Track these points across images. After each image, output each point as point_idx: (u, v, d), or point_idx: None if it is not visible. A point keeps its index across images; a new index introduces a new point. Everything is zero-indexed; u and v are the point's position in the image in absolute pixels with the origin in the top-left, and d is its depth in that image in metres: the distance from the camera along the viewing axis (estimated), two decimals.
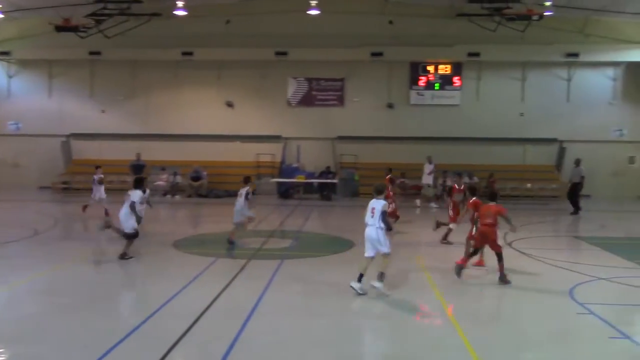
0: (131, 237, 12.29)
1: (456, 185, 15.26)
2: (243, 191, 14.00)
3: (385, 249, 9.69)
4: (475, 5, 25.05)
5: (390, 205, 16.14)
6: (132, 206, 12.24)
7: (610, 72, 28.64)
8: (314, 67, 29.00)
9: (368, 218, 9.85)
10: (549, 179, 27.87)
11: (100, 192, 18.70)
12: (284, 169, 27.91)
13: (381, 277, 9.68)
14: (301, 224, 18.23)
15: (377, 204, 9.79)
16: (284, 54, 28.07)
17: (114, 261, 12.64)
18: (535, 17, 24.64)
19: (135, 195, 12.41)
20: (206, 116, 29.37)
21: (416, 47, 27.89)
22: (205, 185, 26.96)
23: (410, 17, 27.84)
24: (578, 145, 28.00)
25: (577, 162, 22.67)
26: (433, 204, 23.95)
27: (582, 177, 21.99)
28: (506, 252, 13.63)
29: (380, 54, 27.90)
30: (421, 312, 9.34)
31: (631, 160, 28.94)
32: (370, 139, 28.90)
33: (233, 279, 10.71)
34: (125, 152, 27.28)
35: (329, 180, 26.74)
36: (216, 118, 29.37)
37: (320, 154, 28.80)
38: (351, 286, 9.69)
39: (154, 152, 28.09)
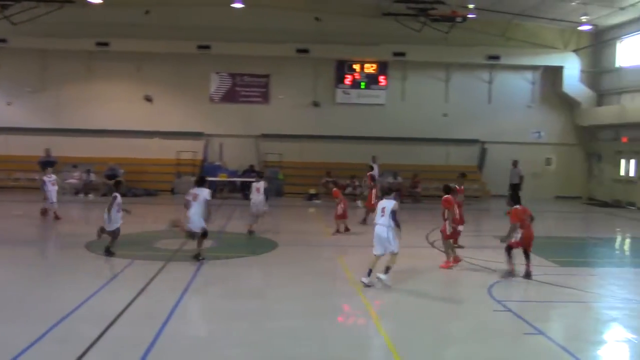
0: (204, 235, 12.43)
1: (457, 185, 15.78)
2: (260, 185, 15.78)
3: (394, 248, 10.43)
4: (401, 5, 25.70)
5: (340, 206, 16.32)
6: (207, 203, 12.39)
7: (529, 75, 30.10)
8: (238, 62, 28.76)
9: (378, 217, 10.49)
10: (471, 180, 28.91)
11: (54, 193, 18.10)
12: (206, 167, 27.52)
13: (387, 270, 10.50)
14: (223, 224, 18.09)
15: (388, 204, 10.47)
16: (207, 47, 27.68)
17: (22, 263, 12.10)
18: (458, 19, 25.62)
19: (206, 193, 12.45)
20: (123, 111, 28.51)
21: (342, 45, 28.24)
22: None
23: (336, 15, 28.14)
24: (498, 146, 29.30)
25: (515, 164, 23.91)
26: (359, 203, 24.34)
27: (521, 177, 23.13)
28: (428, 252, 14.14)
29: (306, 51, 28.06)
30: (344, 312, 9.51)
31: (548, 161, 30.55)
32: (295, 138, 29.00)
33: (150, 281, 10.50)
34: (34, 147, 26.03)
35: (252, 179, 26.57)
36: (134, 113, 28.56)
37: (243, 152, 28.61)
38: (361, 281, 10.47)
39: (65, 148, 26.97)
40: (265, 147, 29.02)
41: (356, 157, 28.37)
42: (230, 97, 29.18)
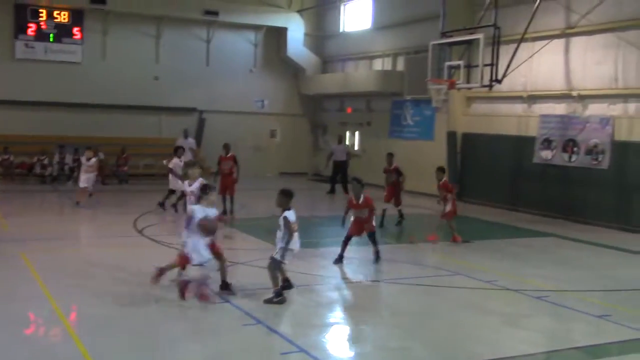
0: None
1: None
2: None
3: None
4: None
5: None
6: None
7: (251, 36, 31.56)
8: None
9: None
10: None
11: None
12: None
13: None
14: None
15: None
16: None
17: None
18: None
19: None
20: None
21: None
22: None
23: None
24: (219, 116, 30.28)
25: (340, 139, 26.53)
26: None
27: (348, 154, 24.59)
28: (136, 241, 14.22)
29: None
30: (30, 322, 9.12)
31: (273, 134, 32.57)
32: None
33: None
34: None
35: None
36: None
37: None
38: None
39: None
40: None
41: (44, 129, 26.99)
42: None
